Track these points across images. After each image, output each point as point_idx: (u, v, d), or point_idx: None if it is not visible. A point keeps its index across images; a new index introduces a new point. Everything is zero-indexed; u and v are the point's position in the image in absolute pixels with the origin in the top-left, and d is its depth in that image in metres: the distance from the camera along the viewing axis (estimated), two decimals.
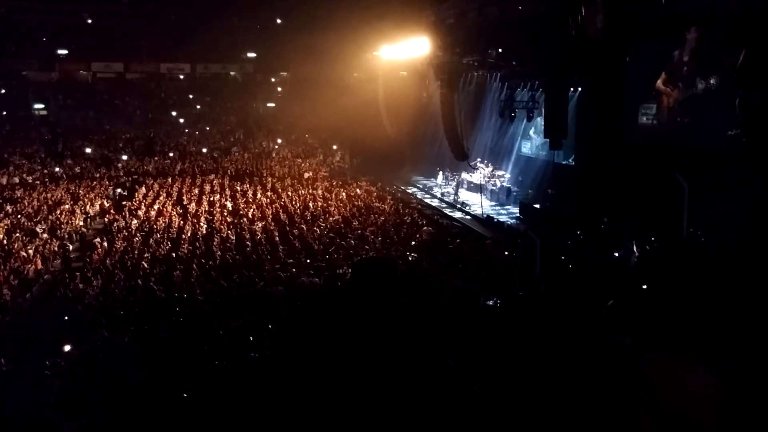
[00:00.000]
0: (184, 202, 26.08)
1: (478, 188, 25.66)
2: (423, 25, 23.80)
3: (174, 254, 18.62)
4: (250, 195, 27.48)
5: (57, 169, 31.79)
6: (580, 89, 21.56)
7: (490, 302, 9.64)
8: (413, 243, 18.85)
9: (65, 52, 41.21)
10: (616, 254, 14.68)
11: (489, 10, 20.81)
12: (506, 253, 16.62)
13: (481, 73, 28.14)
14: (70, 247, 20.43)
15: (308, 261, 17.27)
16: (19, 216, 23.04)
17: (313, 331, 11.29)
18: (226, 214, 24.00)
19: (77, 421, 8.44)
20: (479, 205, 24.49)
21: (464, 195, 26.76)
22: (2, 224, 21.52)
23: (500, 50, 22.29)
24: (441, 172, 28.69)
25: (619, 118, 18.67)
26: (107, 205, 25.98)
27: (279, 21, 41.65)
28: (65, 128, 36.50)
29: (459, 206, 25.54)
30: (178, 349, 10.70)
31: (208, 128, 40.12)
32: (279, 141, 38.73)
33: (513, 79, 25.11)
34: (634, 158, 17.30)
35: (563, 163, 22.75)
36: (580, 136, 20.96)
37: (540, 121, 22.90)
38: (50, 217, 23.23)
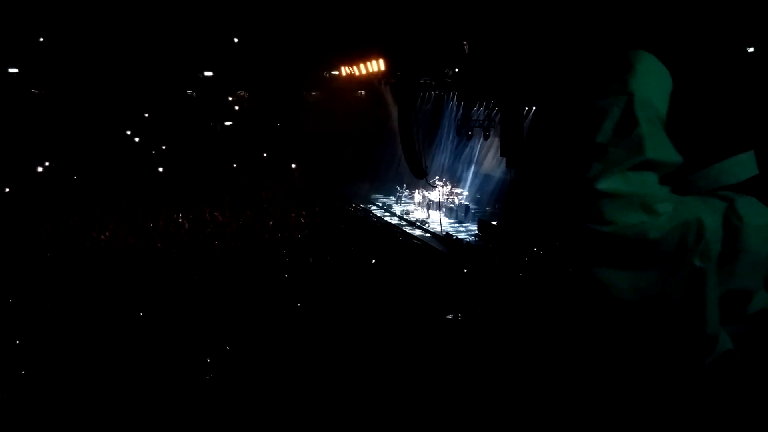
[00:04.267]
0: (140, 221, 25.58)
1: (437, 206, 25.90)
2: (380, 44, 24.06)
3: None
4: (208, 214, 27.13)
5: (7, 190, 30.90)
6: (534, 108, 22.03)
7: (450, 316, 9.72)
8: (372, 261, 18.88)
9: (16, 70, 40.21)
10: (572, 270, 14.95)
11: (445, 30, 21.17)
12: (465, 269, 16.80)
13: (438, 92, 28.52)
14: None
15: (267, 280, 17.11)
16: None
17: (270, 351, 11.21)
18: (182, 233, 23.62)
19: None
20: (438, 222, 24.69)
21: (422, 213, 26.94)
22: None
23: (456, 70, 22.67)
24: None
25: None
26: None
27: (236, 40, 41.47)
28: (13, 145, 35.50)
29: (419, 223, 25.69)
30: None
31: (164, 147, 39.58)
32: (236, 159, 38.41)
33: (469, 98, 25.50)
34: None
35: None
36: (532, 153, 21.35)
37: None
38: None
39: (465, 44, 19.50)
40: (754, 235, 1.20)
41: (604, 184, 1.19)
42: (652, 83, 1.27)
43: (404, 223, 26.51)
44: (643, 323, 1.23)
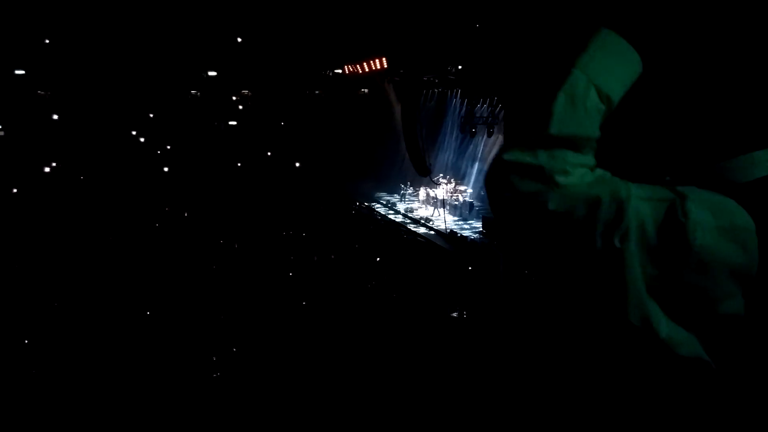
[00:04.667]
0: (144, 220, 25.68)
1: (441, 203, 25.93)
2: (382, 42, 24.06)
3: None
4: (212, 213, 27.19)
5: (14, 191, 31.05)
6: None
7: (455, 314, 9.76)
8: (377, 259, 18.91)
9: (22, 72, 40.34)
10: None
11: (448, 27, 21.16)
12: (470, 267, 16.82)
13: (441, 90, 28.53)
14: None
15: (271, 278, 17.16)
16: None
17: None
18: (187, 232, 23.69)
19: None
20: (442, 220, 24.72)
21: (426, 211, 26.95)
22: None
23: (459, 67, 22.67)
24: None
25: None
26: None
27: (239, 40, 41.47)
28: (20, 146, 35.66)
29: (423, 221, 25.71)
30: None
31: (169, 147, 39.69)
32: (241, 158, 38.47)
33: (472, 95, 25.49)
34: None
35: None
36: None
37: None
38: None
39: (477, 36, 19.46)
40: (705, 235, 1.14)
41: (509, 155, 1.22)
42: (603, 63, 1.25)
43: (408, 221, 26.53)
44: (576, 302, 1.23)
